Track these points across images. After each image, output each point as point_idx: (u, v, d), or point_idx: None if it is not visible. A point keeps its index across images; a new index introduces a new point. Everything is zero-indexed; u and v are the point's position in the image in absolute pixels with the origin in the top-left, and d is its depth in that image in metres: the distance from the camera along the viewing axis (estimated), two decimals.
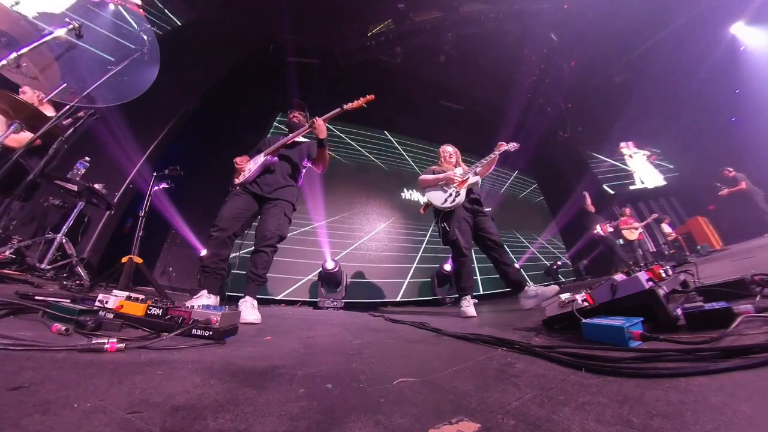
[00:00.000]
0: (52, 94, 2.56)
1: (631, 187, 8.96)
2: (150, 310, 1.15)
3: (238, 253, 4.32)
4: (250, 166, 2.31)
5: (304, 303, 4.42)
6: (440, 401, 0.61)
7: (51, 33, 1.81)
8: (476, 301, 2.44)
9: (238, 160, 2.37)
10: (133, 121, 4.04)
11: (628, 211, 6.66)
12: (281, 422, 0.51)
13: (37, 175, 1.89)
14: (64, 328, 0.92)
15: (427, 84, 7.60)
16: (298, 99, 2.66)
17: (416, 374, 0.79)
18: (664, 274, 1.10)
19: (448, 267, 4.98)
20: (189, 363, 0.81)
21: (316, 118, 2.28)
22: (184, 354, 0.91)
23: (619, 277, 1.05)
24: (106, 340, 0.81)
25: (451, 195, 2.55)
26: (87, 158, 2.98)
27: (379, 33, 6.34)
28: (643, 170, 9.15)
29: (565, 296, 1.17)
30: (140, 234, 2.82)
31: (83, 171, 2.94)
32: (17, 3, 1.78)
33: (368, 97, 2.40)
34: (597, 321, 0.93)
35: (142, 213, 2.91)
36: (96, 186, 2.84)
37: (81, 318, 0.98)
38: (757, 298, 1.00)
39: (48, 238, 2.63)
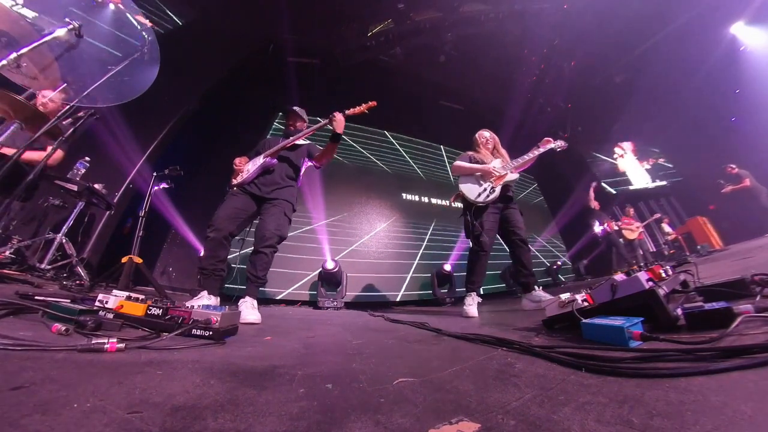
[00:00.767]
0: (52, 94, 2.56)
1: (631, 187, 8.97)
2: (150, 310, 1.15)
3: (238, 252, 4.32)
4: (248, 168, 2.30)
5: (304, 303, 4.42)
6: (440, 401, 0.61)
7: (51, 33, 1.81)
8: (480, 300, 2.41)
9: (237, 161, 2.36)
10: (133, 121, 4.03)
11: (632, 211, 6.63)
12: (281, 422, 0.51)
13: (37, 175, 1.89)
14: (64, 328, 0.92)
15: (427, 84, 7.60)
16: (292, 106, 2.59)
17: (416, 374, 0.79)
18: (664, 274, 1.10)
19: (448, 267, 4.99)
20: (189, 363, 0.81)
21: (337, 112, 2.27)
22: (184, 354, 0.91)
23: (619, 277, 1.05)
24: (106, 340, 0.82)
25: (486, 190, 2.39)
26: (87, 158, 2.98)
27: (379, 33, 6.33)
28: (633, 170, 9.15)
29: (565, 296, 1.17)
30: (140, 234, 2.82)
31: (83, 171, 2.93)
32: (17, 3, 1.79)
33: (371, 103, 2.37)
34: (597, 321, 0.93)
35: (142, 213, 2.91)
36: (96, 186, 2.83)
37: (81, 318, 0.98)
38: (757, 298, 1.00)
39: (48, 238, 2.63)
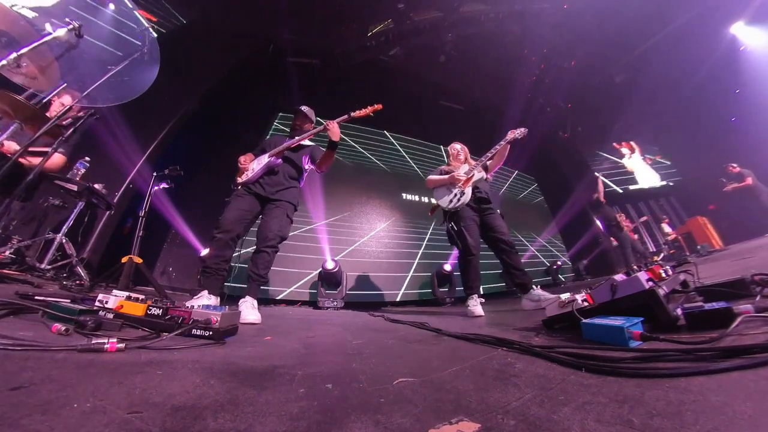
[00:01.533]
0: (51, 94, 2.56)
1: (632, 187, 8.97)
2: (150, 310, 1.15)
3: (239, 252, 4.32)
4: (253, 167, 2.32)
5: (304, 303, 4.42)
6: (440, 401, 0.61)
7: (51, 33, 1.81)
8: (483, 300, 2.43)
9: (242, 159, 2.38)
10: (133, 121, 4.03)
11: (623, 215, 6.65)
12: (281, 422, 0.51)
13: (37, 176, 1.89)
14: (64, 328, 0.92)
15: (427, 84, 7.60)
16: (300, 105, 2.63)
17: (416, 374, 0.79)
18: (664, 274, 1.10)
19: (448, 267, 4.98)
20: (189, 363, 0.81)
21: (330, 121, 2.31)
22: (184, 354, 0.91)
23: (619, 277, 1.05)
24: (106, 340, 0.82)
25: (456, 195, 2.52)
26: (87, 158, 2.98)
27: (379, 33, 6.33)
28: (641, 170, 9.15)
29: (565, 296, 1.17)
30: (140, 234, 2.82)
31: (83, 171, 2.93)
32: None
33: (376, 106, 2.42)
34: (597, 321, 0.93)
35: (142, 213, 2.91)
36: (96, 186, 2.83)
37: (81, 318, 0.98)
38: (757, 298, 1.00)
39: (48, 238, 2.63)
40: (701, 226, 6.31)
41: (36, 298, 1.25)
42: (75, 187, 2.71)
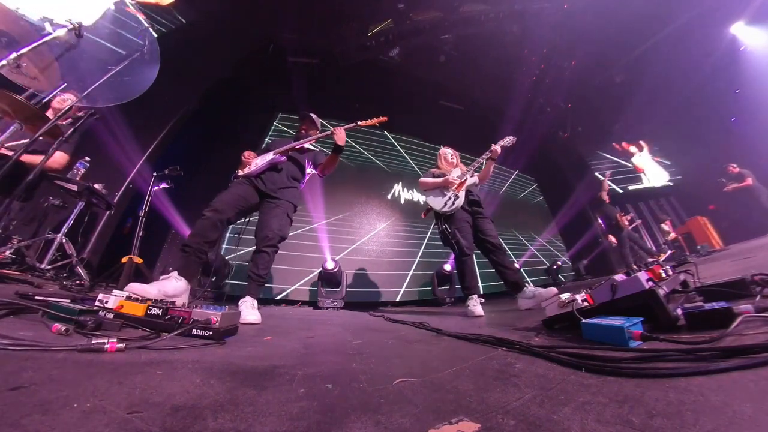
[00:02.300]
0: (51, 94, 2.56)
1: (631, 187, 8.96)
2: (150, 310, 1.15)
3: (236, 247, 4.32)
4: (257, 161, 2.32)
5: (304, 303, 4.42)
6: (440, 401, 0.61)
7: (51, 33, 1.81)
8: (483, 300, 2.44)
9: (246, 153, 2.38)
10: (133, 121, 4.04)
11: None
12: (281, 422, 0.51)
13: (37, 176, 1.90)
14: (64, 328, 0.92)
15: (427, 84, 7.59)
16: (306, 111, 2.68)
17: (416, 374, 0.79)
18: (664, 274, 1.10)
19: (448, 267, 4.98)
20: (189, 363, 0.81)
21: (337, 127, 2.38)
22: (184, 354, 0.91)
23: (619, 277, 1.05)
24: (106, 340, 0.82)
25: (450, 198, 2.56)
26: (87, 158, 2.98)
27: (379, 33, 6.33)
28: (651, 168, 9.13)
29: (565, 296, 1.17)
30: (140, 234, 2.82)
31: (83, 171, 2.94)
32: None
33: (382, 118, 2.55)
34: (597, 321, 0.93)
35: (142, 213, 2.92)
36: (96, 186, 2.84)
37: (81, 318, 0.98)
38: (757, 298, 1.00)
39: (48, 238, 2.63)
40: (701, 226, 6.31)
41: (36, 298, 1.25)
42: (75, 187, 2.71)
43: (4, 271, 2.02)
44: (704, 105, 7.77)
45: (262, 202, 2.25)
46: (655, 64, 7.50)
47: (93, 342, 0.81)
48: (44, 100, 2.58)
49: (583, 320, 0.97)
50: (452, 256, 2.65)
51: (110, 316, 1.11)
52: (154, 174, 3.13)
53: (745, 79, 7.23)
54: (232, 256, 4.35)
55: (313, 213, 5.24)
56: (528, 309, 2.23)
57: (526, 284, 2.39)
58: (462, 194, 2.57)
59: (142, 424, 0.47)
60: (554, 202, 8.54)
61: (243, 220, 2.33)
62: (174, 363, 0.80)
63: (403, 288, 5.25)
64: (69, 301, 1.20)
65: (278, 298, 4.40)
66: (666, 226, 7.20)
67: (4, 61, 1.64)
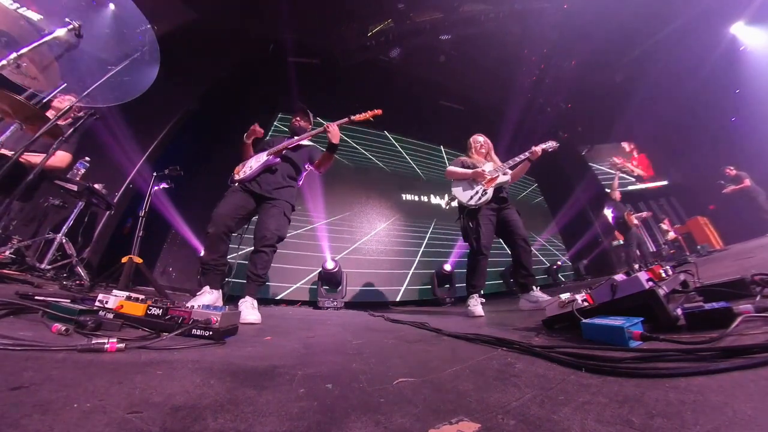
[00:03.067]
0: (51, 94, 2.56)
1: (631, 187, 8.97)
2: (150, 310, 1.15)
3: (237, 247, 4.32)
4: (251, 164, 2.31)
5: (304, 303, 4.42)
6: (440, 401, 0.61)
7: (51, 33, 1.81)
8: (483, 300, 2.42)
9: (256, 127, 2.37)
10: (133, 121, 4.03)
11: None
12: (281, 422, 0.51)
13: (37, 175, 1.89)
14: (64, 328, 0.92)
15: (427, 84, 7.60)
16: (301, 103, 2.65)
17: (416, 374, 0.79)
18: (664, 274, 1.10)
19: (448, 267, 4.99)
20: (189, 363, 0.81)
21: (330, 123, 2.31)
22: (184, 354, 0.91)
23: (619, 277, 1.05)
24: (106, 340, 0.82)
25: (477, 192, 2.43)
26: (87, 158, 2.98)
27: (379, 33, 6.33)
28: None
29: (565, 296, 1.17)
30: (140, 234, 2.82)
31: (83, 171, 2.94)
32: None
33: (376, 111, 2.40)
34: (597, 321, 0.93)
35: (142, 213, 2.91)
36: (96, 186, 2.83)
37: (81, 318, 0.98)
38: (757, 298, 1.00)
39: (48, 238, 2.63)
40: (701, 226, 6.31)
41: (36, 298, 1.25)
42: (75, 187, 2.71)
43: (4, 271, 2.01)
44: (704, 105, 7.77)
45: (260, 204, 2.25)
46: (655, 64, 7.50)
47: (93, 342, 0.80)
48: (44, 100, 2.58)
49: (583, 320, 0.97)
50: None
51: (110, 316, 1.11)
52: (154, 174, 3.13)
53: (745, 79, 7.23)
54: (233, 256, 4.35)
55: (313, 213, 5.24)
56: (528, 310, 2.24)
57: (534, 287, 2.37)
58: (491, 191, 2.44)
59: (142, 424, 0.47)
60: (554, 202, 8.55)
61: (244, 226, 2.36)
62: (174, 363, 0.80)
63: (403, 288, 5.25)
64: (69, 301, 1.20)
65: (278, 298, 4.40)
66: (665, 225, 7.20)
67: (4, 61, 1.64)
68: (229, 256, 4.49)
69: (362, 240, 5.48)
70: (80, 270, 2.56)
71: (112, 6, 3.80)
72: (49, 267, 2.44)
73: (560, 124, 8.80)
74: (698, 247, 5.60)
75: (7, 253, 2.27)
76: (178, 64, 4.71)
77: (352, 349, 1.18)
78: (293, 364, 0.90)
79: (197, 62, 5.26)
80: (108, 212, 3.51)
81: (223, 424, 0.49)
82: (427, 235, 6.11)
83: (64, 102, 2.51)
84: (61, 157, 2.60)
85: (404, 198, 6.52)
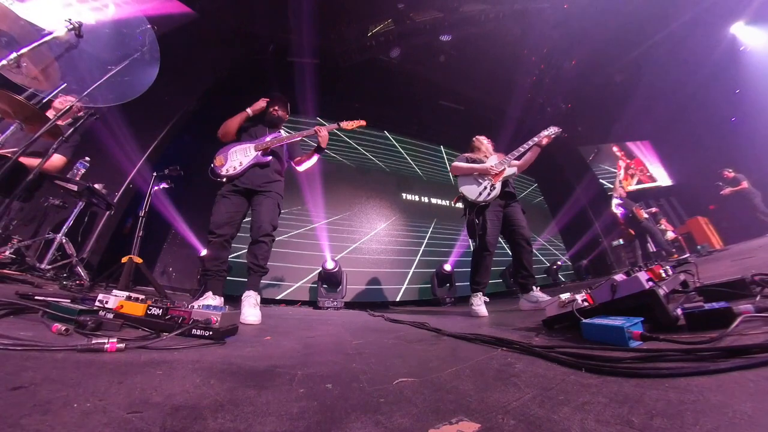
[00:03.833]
0: (51, 94, 2.56)
1: (631, 188, 8.96)
2: (150, 310, 1.15)
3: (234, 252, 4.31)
4: (240, 159, 2.28)
5: (304, 303, 4.42)
6: (440, 401, 0.61)
7: (51, 33, 1.81)
8: (487, 299, 2.41)
9: (263, 103, 2.48)
10: (133, 121, 4.03)
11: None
12: (281, 422, 0.51)
13: (37, 176, 1.89)
14: (64, 328, 0.92)
15: (427, 84, 7.60)
16: (278, 92, 2.68)
17: (416, 374, 0.79)
18: (664, 274, 1.10)
19: (448, 267, 4.98)
20: (189, 363, 0.81)
21: (320, 127, 2.37)
22: (184, 354, 0.91)
23: (619, 277, 1.05)
24: (106, 340, 0.82)
25: (486, 188, 2.40)
26: (87, 158, 2.98)
27: (379, 33, 6.33)
28: (655, 169, 9.14)
29: (565, 296, 1.17)
30: (140, 234, 2.81)
31: (83, 171, 2.93)
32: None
33: (361, 122, 2.53)
34: (597, 321, 0.93)
35: (142, 213, 2.91)
36: (96, 186, 2.83)
37: (81, 318, 0.98)
38: (757, 298, 1.00)
39: (48, 238, 2.63)
40: (701, 226, 6.31)
41: (36, 298, 1.25)
42: (75, 187, 2.71)
43: (4, 271, 2.02)
44: (704, 105, 7.77)
45: (252, 199, 2.27)
46: (655, 64, 7.50)
47: (93, 342, 0.81)
48: (44, 100, 2.58)
49: (583, 320, 0.97)
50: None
51: (110, 316, 1.11)
52: (154, 174, 3.13)
53: (745, 79, 7.23)
54: (231, 256, 4.35)
55: (313, 213, 5.24)
56: (528, 310, 2.25)
57: (534, 287, 2.36)
58: (498, 185, 2.41)
59: (142, 424, 0.47)
60: (554, 202, 8.54)
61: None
62: (174, 363, 0.80)
63: (403, 288, 5.25)
64: (69, 301, 1.20)
65: (278, 298, 4.40)
66: (662, 225, 7.20)
67: (4, 61, 1.64)
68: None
69: (362, 240, 5.48)
70: (80, 270, 2.56)
71: (112, 6, 3.80)
72: (49, 267, 2.44)
73: (560, 124, 8.79)
74: (698, 247, 5.60)
75: (7, 253, 2.27)
76: (178, 64, 4.71)
77: (352, 349, 1.18)
78: (293, 364, 0.90)
79: (197, 62, 5.26)
80: (108, 212, 3.51)
81: (223, 424, 0.49)
82: (427, 235, 6.10)
83: (65, 103, 2.51)
84: (54, 161, 2.57)
85: (404, 198, 6.52)
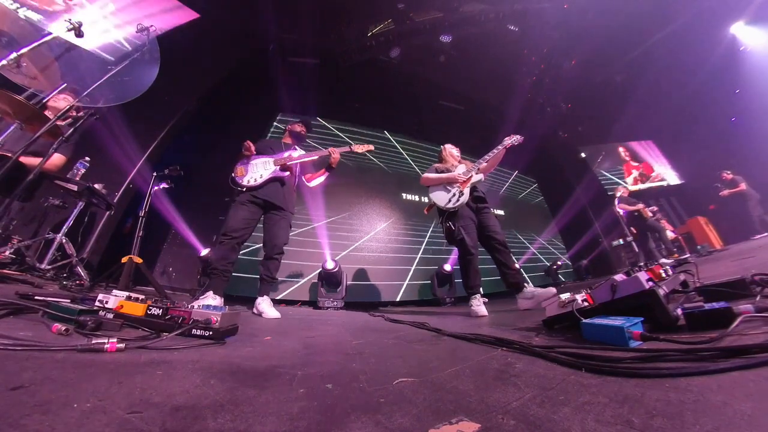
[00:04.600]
0: (51, 94, 2.56)
1: (631, 187, 8.95)
2: (150, 310, 1.15)
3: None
4: (260, 172, 2.45)
5: (304, 303, 4.42)
6: (440, 401, 0.61)
7: (51, 33, 1.81)
8: (486, 300, 2.44)
9: (247, 144, 2.51)
10: (133, 121, 4.03)
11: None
12: (281, 422, 0.51)
13: (37, 176, 1.89)
14: (64, 328, 0.92)
15: (427, 84, 7.60)
16: (310, 118, 2.92)
17: (416, 374, 0.79)
18: (664, 274, 1.10)
19: (448, 267, 4.98)
20: (189, 363, 0.81)
21: (334, 149, 2.63)
22: (184, 354, 0.91)
23: (619, 277, 1.05)
24: (106, 340, 0.82)
25: (454, 195, 2.54)
26: (87, 158, 2.98)
27: (379, 33, 6.33)
28: (662, 169, 9.13)
29: (565, 296, 1.17)
30: (140, 234, 2.81)
31: (83, 171, 2.93)
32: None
33: (370, 147, 2.79)
34: (597, 321, 0.93)
35: (142, 213, 2.91)
36: (96, 186, 2.83)
37: (81, 318, 0.98)
38: (757, 298, 0.99)
39: (48, 238, 2.62)
40: (701, 226, 6.31)
41: (36, 298, 1.25)
42: (75, 187, 2.70)
43: (4, 271, 2.01)
44: (704, 105, 7.77)
45: (268, 213, 2.47)
46: (655, 64, 7.50)
47: (93, 342, 0.80)
48: (44, 100, 2.58)
49: (583, 320, 0.97)
50: (453, 255, 2.65)
51: (110, 316, 1.11)
52: (154, 174, 3.13)
53: (745, 79, 7.23)
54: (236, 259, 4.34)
55: (313, 213, 5.24)
56: (527, 309, 2.24)
57: (526, 284, 2.38)
58: (467, 191, 2.55)
59: (142, 424, 0.47)
60: (554, 202, 8.54)
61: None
62: (174, 363, 0.80)
63: (403, 288, 5.24)
64: (69, 301, 1.20)
65: (278, 298, 4.40)
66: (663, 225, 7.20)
67: (4, 61, 1.64)
68: None
69: (362, 240, 5.48)
70: (80, 270, 2.56)
71: (112, 6, 3.81)
72: (49, 267, 2.43)
73: (560, 124, 8.81)
74: (698, 247, 5.60)
75: (7, 253, 2.27)
76: (178, 64, 4.72)
77: (352, 349, 1.18)
78: (293, 364, 0.90)
79: (197, 62, 5.26)
80: (108, 212, 3.51)
81: (223, 424, 0.49)
82: (427, 235, 6.10)
83: (58, 101, 2.51)
84: (53, 160, 2.58)
85: (404, 198, 6.52)
